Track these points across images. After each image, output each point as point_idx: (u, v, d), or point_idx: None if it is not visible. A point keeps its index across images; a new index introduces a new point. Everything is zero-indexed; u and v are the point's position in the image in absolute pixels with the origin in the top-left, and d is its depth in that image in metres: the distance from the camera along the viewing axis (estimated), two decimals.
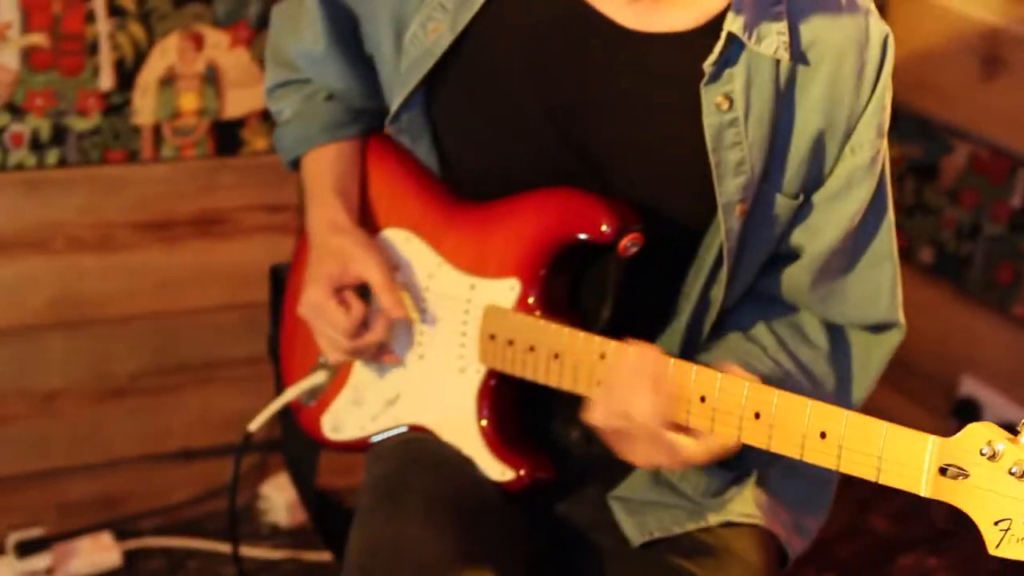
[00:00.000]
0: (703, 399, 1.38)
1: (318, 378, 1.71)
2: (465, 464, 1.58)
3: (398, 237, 1.66)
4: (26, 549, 2.62)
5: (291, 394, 1.74)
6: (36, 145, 2.46)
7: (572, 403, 1.55)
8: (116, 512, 2.75)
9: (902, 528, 2.98)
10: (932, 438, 1.25)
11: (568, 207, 1.52)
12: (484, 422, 1.57)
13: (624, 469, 1.61)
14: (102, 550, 2.68)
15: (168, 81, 2.51)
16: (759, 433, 1.35)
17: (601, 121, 1.51)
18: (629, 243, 1.48)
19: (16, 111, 2.43)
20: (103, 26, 2.42)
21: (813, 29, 1.48)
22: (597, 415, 1.43)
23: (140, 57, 2.48)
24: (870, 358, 1.64)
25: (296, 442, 1.84)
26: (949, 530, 2.90)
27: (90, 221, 2.54)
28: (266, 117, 2.63)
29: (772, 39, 1.46)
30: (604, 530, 1.63)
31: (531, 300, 1.53)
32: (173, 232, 2.62)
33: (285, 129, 1.76)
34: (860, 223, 1.56)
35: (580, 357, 1.46)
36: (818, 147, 1.50)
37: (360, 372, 1.70)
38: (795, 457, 1.34)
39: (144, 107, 2.51)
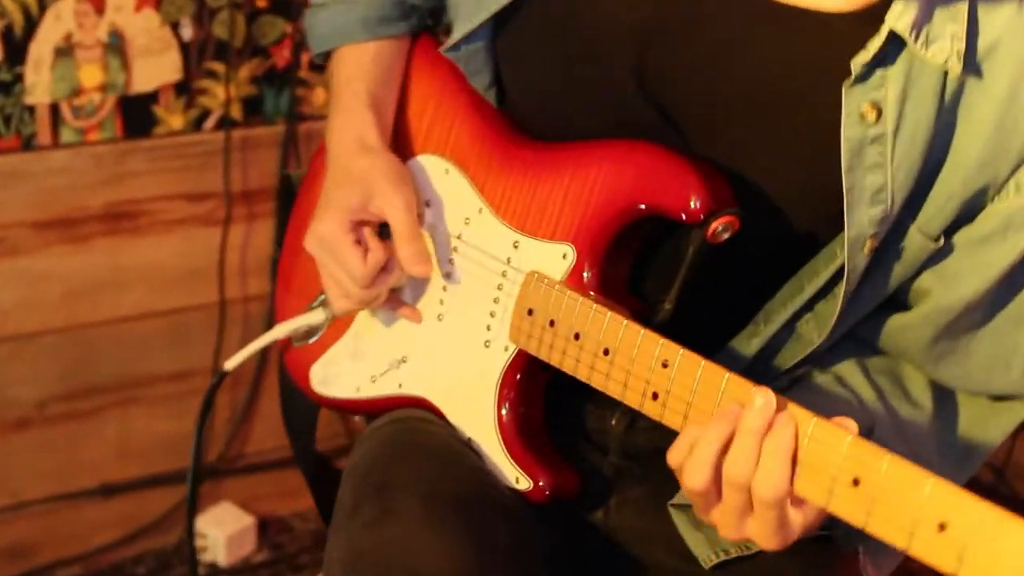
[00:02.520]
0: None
1: (315, 317, 1.53)
2: (470, 453, 1.41)
3: (435, 167, 1.47)
4: None
5: (280, 331, 1.56)
6: None
7: None
8: (27, 563, 2.59)
9: None
10: None
11: (652, 169, 1.31)
12: (504, 413, 1.39)
13: None
14: None
15: (65, 51, 2.34)
16: (855, 505, 1.11)
17: (707, 103, 1.32)
18: (720, 227, 1.27)
19: None
20: None
21: (996, 32, 1.26)
22: (697, 479, 1.18)
23: (31, 24, 2.31)
24: (986, 429, 1.44)
25: (293, 391, 1.66)
26: None
27: None
28: (181, 90, 2.47)
29: (944, 43, 1.24)
30: (657, 542, 1.45)
31: (586, 275, 1.34)
32: (79, 231, 2.45)
33: (319, 14, 1.56)
34: (1009, 273, 1.34)
35: (636, 360, 1.26)
36: (976, 179, 1.30)
37: (365, 320, 1.52)
38: (900, 547, 1.10)
39: (38, 84, 2.33)
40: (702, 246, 1.29)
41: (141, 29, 2.37)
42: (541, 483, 1.37)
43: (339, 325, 1.54)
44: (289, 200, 1.68)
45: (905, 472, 1.08)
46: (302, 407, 1.68)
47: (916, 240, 1.32)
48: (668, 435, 1.38)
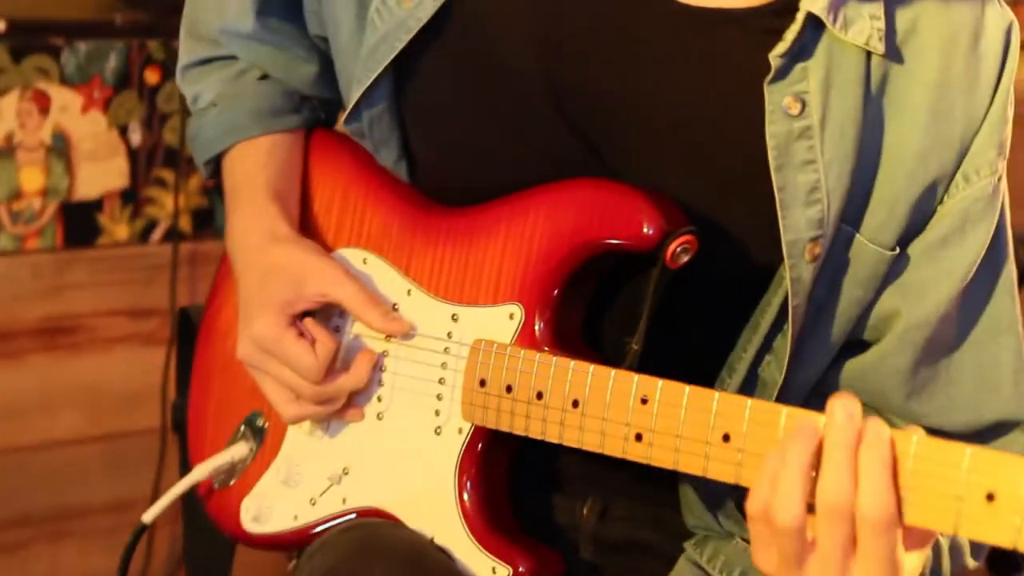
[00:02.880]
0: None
1: (238, 451, 1.45)
2: (438, 553, 1.32)
3: (352, 258, 1.41)
4: None
5: (201, 472, 1.46)
6: None
7: (576, 468, 1.34)
8: None
9: None
10: None
11: (594, 203, 1.27)
12: (467, 500, 1.31)
13: (653, 554, 1.35)
14: None
15: (6, 152, 2.33)
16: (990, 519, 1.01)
17: (626, 117, 1.29)
18: (679, 249, 1.23)
19: None
20: None
21: (913, 13, 1.27)
22: (791, 511, 1.04)
23: None
24: None
25: (201, 543, 1.62)
26: None
27: None
28: (127, 199, 2.43)
29: (863, 24, 1.24)
30: None
31: (538, 330, 1.28)
32: (12, 345, 2.40)
33: (204, 117, 1.50)
34: (973, 277, 1.31)
35: (612, 404, 1.19)
36: (921, 174, 1.27)
37: (294, 441, 1.43)
38: (948, 531, 1.03)
39: None
40: (663, 273, 1.24)
41: (87, 132, 2.36)
42: (521, 569, 1.27)
43: (266, 454, 1.46)
44: (191, 334, 1.61)
45: (937, 449, 1.01)
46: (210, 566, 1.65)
47: (868, 252, 1.27)
48: (643, 525, 1.34)
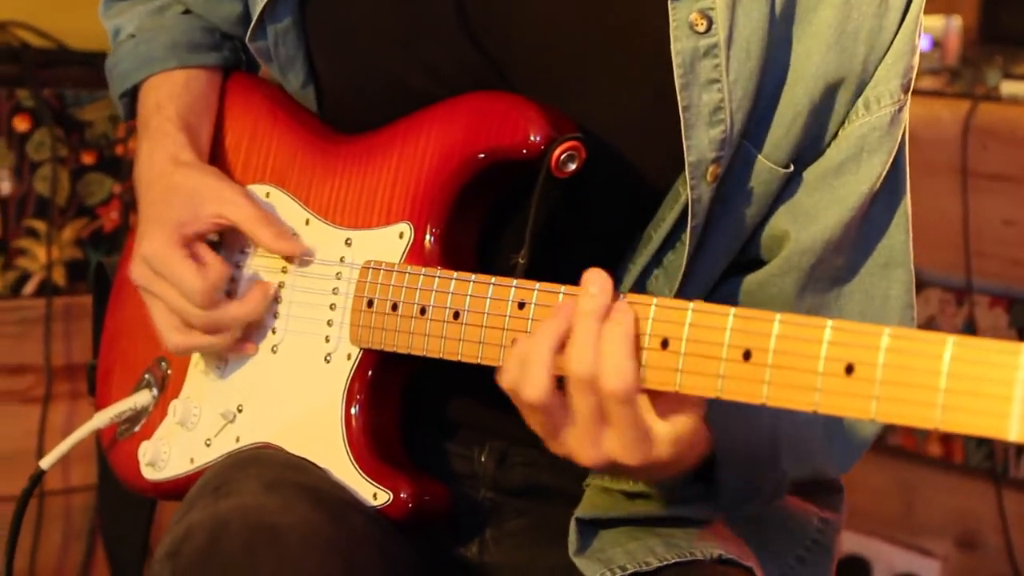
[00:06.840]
0: (665, 344, 1.09)
1: (140, 399, 1.44)
2: (326, 475, 1.31)
3: (256, 194, 1.42)
4: None
5: (102, 418, 1.45)
6: None
7: (472, 415, 1.34)
8: None
9: None
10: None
11: (482, 114, 1.28)
12: (353, 426, 1.31)
13: (555, 496, 1.34)
14: None
15: None
16: (750, 380, 1.05)
17: (529, 30, 1.29)
18: (565, 156, 1.24)
19: None
20: None
21: None
22: (537, 386, 1.11)
23: None
24: None
25: (115, 505, 1.59)
26: None
27: None
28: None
29: None
30: None
31: (428, 247, 1.29)
32: None
33: (121, 49, 1.49)
34: (868, 210, 1.31)
35: (490, 312, 1.21)
36: (821, 99, 1.28)
37: (194, 382, 1.42)
38: (808, 409, 1.03)
39: None
40: (548, 181, 1.23)
41: None
42: (403, 495, 1.27)
43: (167, 398, 1.44)
44: (105, 291, 1.58)
45: (798, 327, 1.02)
46: (125, 530, 1.62)
47: (763, 169, 1.28)
48: (543, 469, 1.33)
